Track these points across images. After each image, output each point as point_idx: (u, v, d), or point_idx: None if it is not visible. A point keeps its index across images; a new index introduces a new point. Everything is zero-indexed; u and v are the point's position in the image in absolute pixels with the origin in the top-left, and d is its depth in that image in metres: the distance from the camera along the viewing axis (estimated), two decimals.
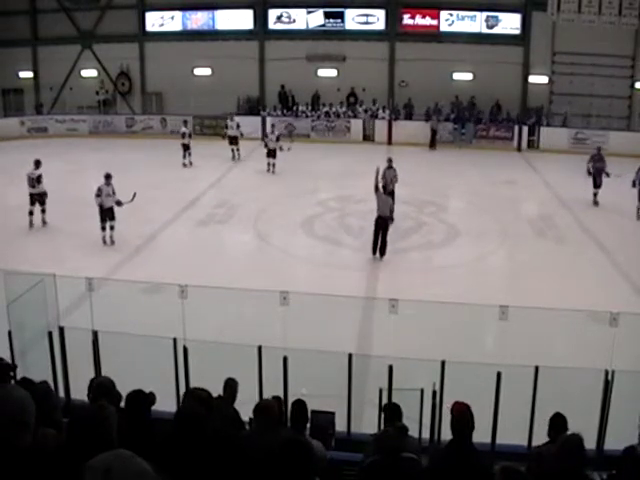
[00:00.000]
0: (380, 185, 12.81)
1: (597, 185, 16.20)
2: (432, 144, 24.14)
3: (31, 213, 14.07)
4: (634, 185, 15.12)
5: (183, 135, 20.55)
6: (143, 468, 2.59)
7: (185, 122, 21.01)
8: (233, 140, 21.40)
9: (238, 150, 21.40)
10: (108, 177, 12.82)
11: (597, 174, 16.19)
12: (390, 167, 14.24)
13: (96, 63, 27.19)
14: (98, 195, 12.68)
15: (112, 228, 12.79)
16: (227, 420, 4.70)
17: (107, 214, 12.71)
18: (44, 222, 14.28)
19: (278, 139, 19.65)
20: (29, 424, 2.84)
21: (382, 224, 12.34)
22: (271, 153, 19.46)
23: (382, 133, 24.73)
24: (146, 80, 27.30)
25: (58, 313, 7.63)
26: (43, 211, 14.25)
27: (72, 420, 2.91)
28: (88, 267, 9.94)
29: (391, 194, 13.62)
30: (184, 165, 20.48)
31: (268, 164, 19.62)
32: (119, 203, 12.73)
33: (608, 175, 16.02)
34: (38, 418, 2.96)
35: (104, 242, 12.82)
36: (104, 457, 2.58)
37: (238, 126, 21.55)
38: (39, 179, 14.10)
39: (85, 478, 2.51)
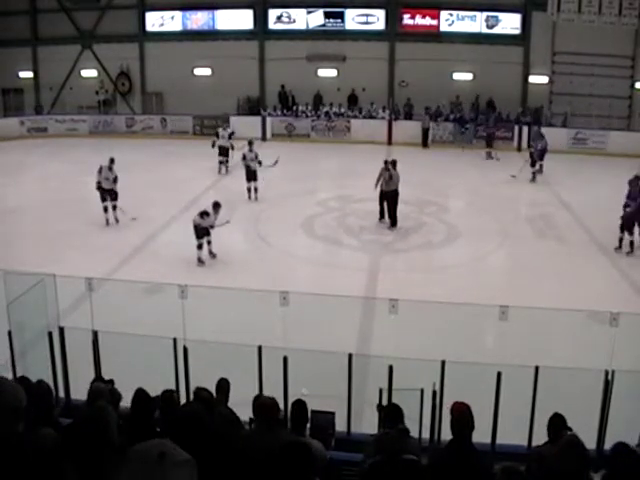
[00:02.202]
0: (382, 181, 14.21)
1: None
2: (424, 143, 24.25)
3: (108, 208, 14.09)
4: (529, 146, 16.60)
5: (230, 136, 19.37)
6: (187, 457, 2.71)
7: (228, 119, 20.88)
8: (223, 151, 19.11)
9: (227, 162, 19.12)
10: (217, 205, 12.17)
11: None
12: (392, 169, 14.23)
13: (96, 63, 27.16)
14: (202, 219, 11.95)
15: (209, 243, 12.16)
16: (225, 420, 4.70)
17: (203, 231, 12.02)
18: (115, 219, 14.14)
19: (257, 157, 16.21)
20: (20, 410, 2.78)
21: (385, 197, 14.16)
22: (252, 176, 16.16)
23: (382, 133, 24.73)
24: (146, 80, 27.26)
25: (58, 313, 7.63)
26: (113, 207, 14.10)
27: (72, 421, 2.92)
28: (88, 267, 9.92)
29: (395, 193, 14.15)
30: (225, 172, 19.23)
31: (249, 189, 16.23)
32: (212, 227, 12.10)
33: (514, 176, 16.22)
34: (36, 418, 2.95)
35: (200, 261, 11.94)
36: (153, 443, 2.70)
37: (230, 136, 19.38)
38: (100, 171, 14.06)
39: (133, 463, 2.56)
